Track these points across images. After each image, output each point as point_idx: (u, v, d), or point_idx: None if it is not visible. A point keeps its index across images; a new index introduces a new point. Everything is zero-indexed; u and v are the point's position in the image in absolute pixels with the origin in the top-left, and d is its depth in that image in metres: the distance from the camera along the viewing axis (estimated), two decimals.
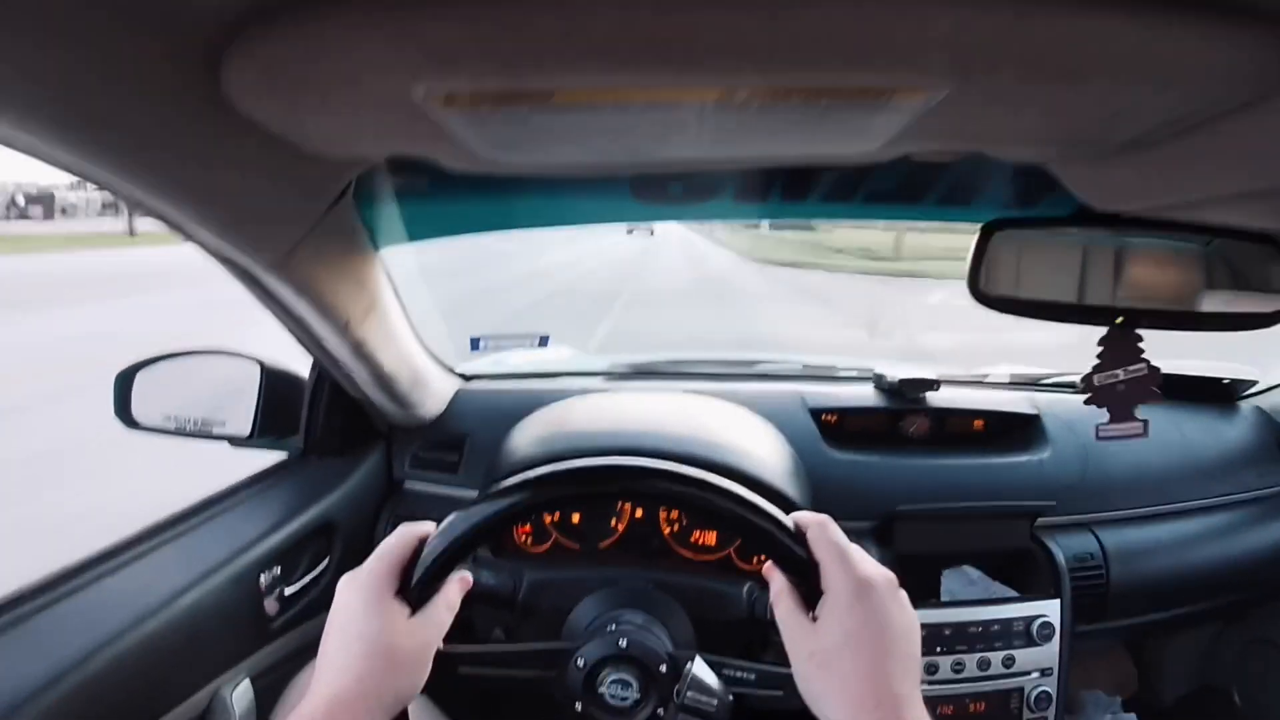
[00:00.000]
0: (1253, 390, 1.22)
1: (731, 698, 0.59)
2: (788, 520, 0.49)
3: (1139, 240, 0.74)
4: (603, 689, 0.63)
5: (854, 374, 1.22)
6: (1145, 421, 0.76)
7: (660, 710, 0.62)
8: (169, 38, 0.34)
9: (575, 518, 0.92)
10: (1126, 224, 0.69)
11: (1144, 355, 0.74)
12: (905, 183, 0.73)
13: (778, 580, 0.49)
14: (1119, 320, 0.73)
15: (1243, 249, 0.72)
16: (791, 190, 0.74)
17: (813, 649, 0.45)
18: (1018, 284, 0.74)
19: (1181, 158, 0.48)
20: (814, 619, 0.45)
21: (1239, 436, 1.16)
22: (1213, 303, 0.73)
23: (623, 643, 0.64)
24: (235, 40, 0.34)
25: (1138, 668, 1.29)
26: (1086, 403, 0.76)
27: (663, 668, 0.63)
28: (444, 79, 0.35)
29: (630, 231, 24.47)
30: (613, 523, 0.92)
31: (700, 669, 0.59)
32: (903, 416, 1.11)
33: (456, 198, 0.72)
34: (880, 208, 0.78)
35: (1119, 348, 0.74)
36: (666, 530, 0.91)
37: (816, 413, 1.07)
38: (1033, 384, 1.22)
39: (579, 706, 0.63)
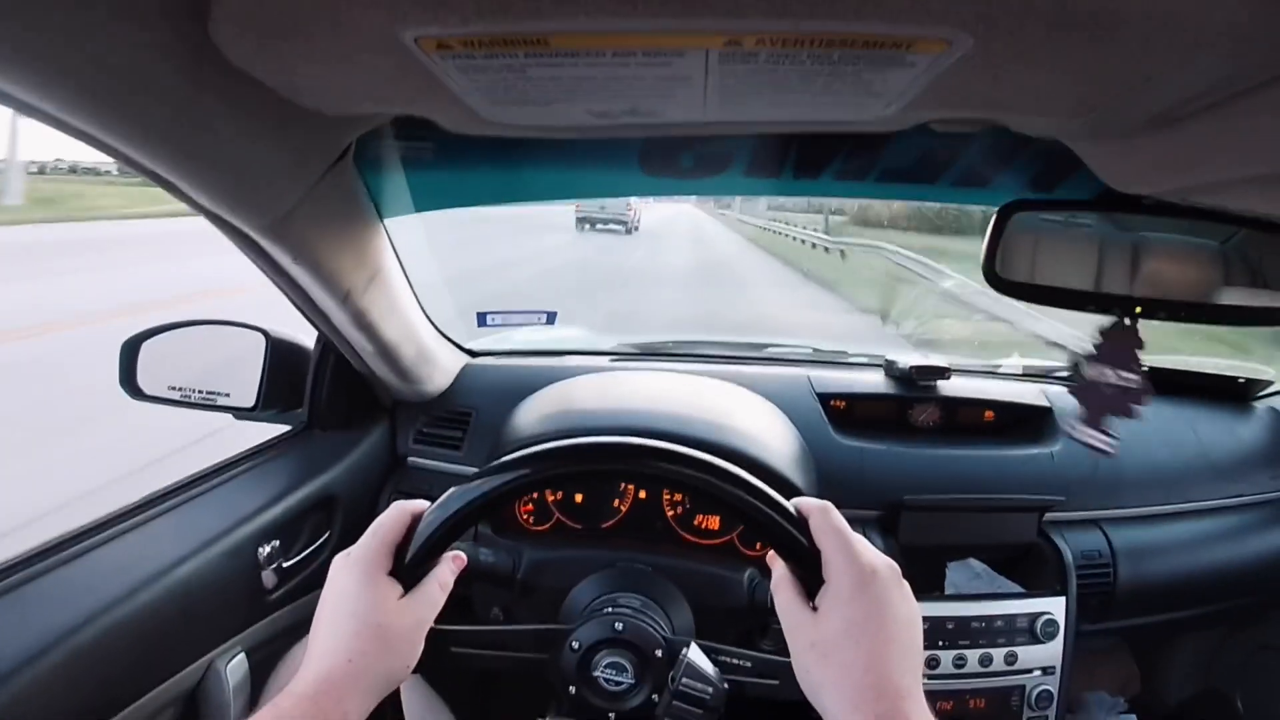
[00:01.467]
0: (1268, 390, 1.20)
1: (726, 685, 0.57)
2: (790, 506, 0.47)
3: (1156, 235, 0.72)
4: (597, 672, 0.62)
5: (864, 360, 1.21)
6: (1117, 440, 0.73)
7: (655, 696, 0.61)
8: None
9: (578, 497, 0.91)
10: (1148, 208, 0.67)
11: (1141, 364, 0.71)
12: (922, 161, 0.71)
13: (779, 568, 0.48)
14: (1137, 310, 0.71)
15: (1260, 244, 0.70)
16: (805, 166, 0.72)
17: (813, 639, 0.43)
18: (1034, 270, 0.72)
19: (1209, 136, 0.46)
20: (814, 608, 0.44)
21: (1253, 437, 1.14)
22: (1230, 298, 0.72)
23: (619, 626, 0.63)
24: None
25: (1142, 668, 1.27)
26: (1072, 393, 0.74)
27: (658, 652, 0.62)
28: (433, 22, 0.33)
29: (585, 226, 14.02)
30: (615, 503, 0.91)
31: (695, 655, 0.58)
32: (912, 405, 1.09)
33: (462, 167, 0.71)
34: (895, 187, 0.76)
35: (1120, 342, 0.72)
36: (670, 513, 0.90)
37: (825, 398, 1.06)
38: (1046, 376, 1.20)
39: (573, 689, 0.62)
